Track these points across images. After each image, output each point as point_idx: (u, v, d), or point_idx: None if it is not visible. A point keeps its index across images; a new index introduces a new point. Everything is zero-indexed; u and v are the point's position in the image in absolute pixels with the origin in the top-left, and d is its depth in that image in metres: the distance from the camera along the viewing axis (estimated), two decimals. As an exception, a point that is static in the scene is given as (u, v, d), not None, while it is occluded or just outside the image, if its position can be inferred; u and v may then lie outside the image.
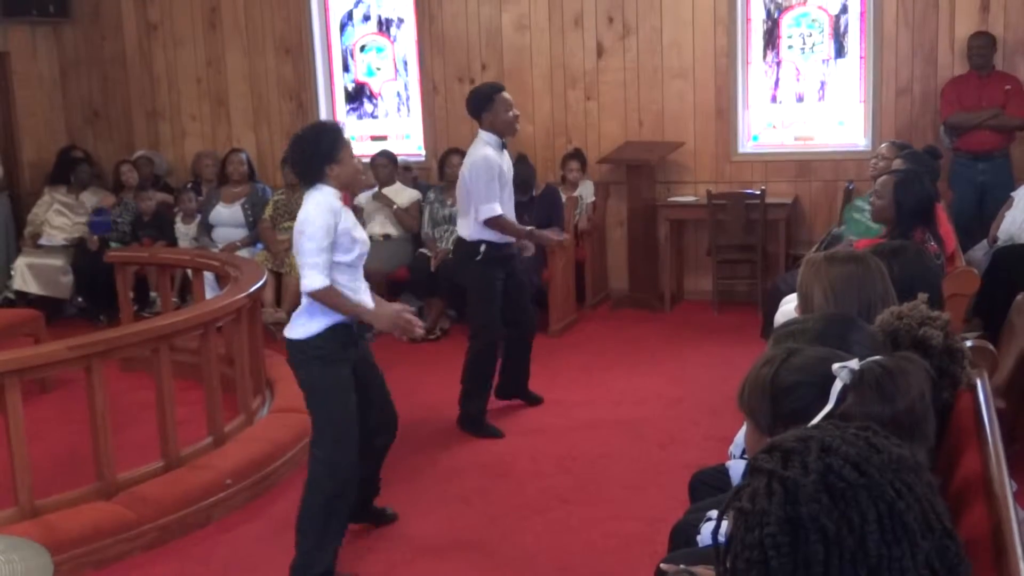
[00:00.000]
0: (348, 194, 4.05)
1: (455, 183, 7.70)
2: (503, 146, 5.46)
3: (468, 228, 5.49)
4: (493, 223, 5.37)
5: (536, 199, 7.66)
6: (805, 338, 2.07)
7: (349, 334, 3.95)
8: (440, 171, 7.99)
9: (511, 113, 5.38)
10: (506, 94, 5.41)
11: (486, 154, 5.34)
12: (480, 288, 5.53)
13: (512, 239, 5.52)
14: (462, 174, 5.51)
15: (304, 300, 3.95)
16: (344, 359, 3.95)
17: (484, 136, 5.42)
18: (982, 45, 7.15)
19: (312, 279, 3.83)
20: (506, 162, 5.49)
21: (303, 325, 3.92)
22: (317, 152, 3.91)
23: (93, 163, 9.23)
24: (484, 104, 5.37)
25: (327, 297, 3.85)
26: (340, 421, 3.94)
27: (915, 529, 1.22)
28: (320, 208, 3.86)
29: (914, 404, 1.82)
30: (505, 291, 5.56)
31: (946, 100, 7.22)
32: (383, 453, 4.35)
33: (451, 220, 7.75)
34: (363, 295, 4.02)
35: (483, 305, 5.54)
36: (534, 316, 5.79)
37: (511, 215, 5.51)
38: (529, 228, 5.55)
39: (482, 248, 5.42)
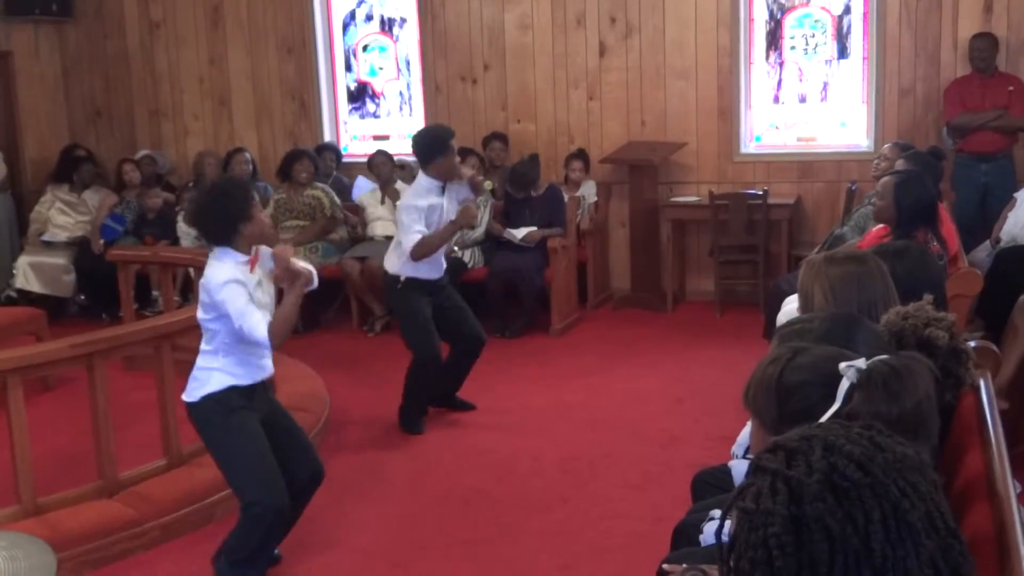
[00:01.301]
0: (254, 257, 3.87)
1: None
2: (442, 190, 5.51)
3: (391, 261, 5.60)
4: (418, 251, 5.40)
5: (539, 198, 7.68)
6: (810, 337, 2.07)
7: (247, 394, 3.87)
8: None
9: (455, 161, 5.52)
10: (454, 142, 5.53)
11: (408, 202, 5.48)
12: (405, 314, 5.64)
13: (440, 273, 5.62)
14: (397, 217, 5.65)
15: (198, 361, 3.88)
16: (244, 408, 3.85)
17: (424, 181, 5.50)
18: (984, 47, 7.14)
19: (260, 330, 3.72)
20: (443, 206, 5.52)
21: (196, 389, 3.85)
22: (227, 212, 3.78)
23: (96, 162, 9.23)
24: (431, 150, 5.46)
25: (276, 339, 3.78)
26: (256, 463, 3.82)
27: (919, 529, 1.21)
28: (229, 274, 3.74)
29: (920, 404, 1.82)
30: (443, 315, 5.62)
31: (949, 101, 7.21)
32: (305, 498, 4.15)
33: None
34: (265, 360, 3.93)
35: (411, 329, 5.60)
36: (479, 332, 5.78)
37: (437, 263, 5.58)
38: (446, 225, 5.53)
39: (402, 278, 5.51)
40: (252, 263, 3.82)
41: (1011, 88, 7.08)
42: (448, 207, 5.57)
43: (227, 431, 3.83)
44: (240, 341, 3.80)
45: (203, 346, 3.89)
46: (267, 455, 3.84)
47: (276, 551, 4.17)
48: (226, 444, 3.86)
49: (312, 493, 4.15)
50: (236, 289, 3.72)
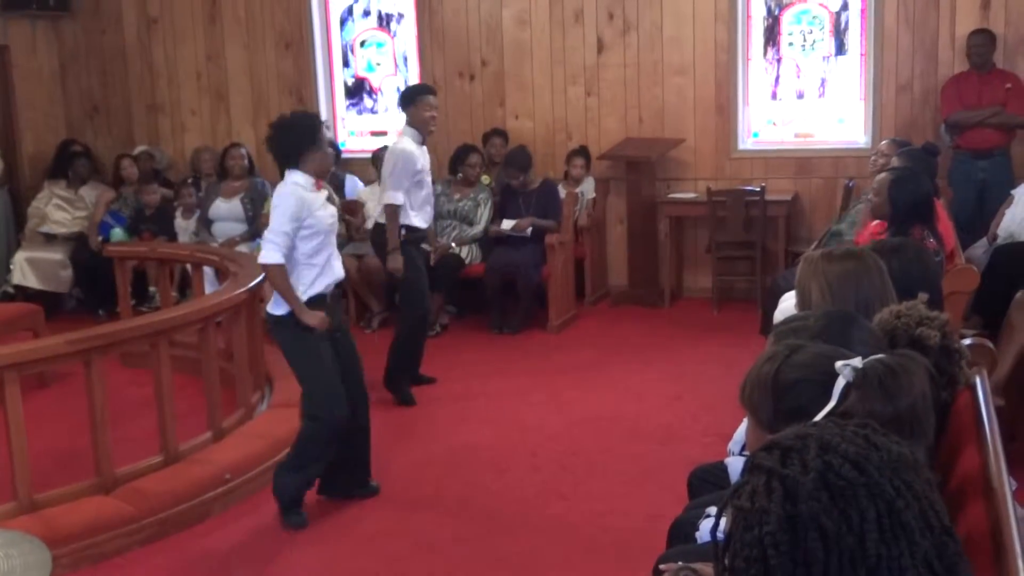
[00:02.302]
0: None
1: (468, 180, 7.76)
2: (423, 142, 5.95)
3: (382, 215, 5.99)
4: (389, 211, 5.83)
5: (532, 192, 7.69)
6: (806, 335, 2.07)
7: (322, 305, 4.38)
8: (452, 167, 7.95)
9: (428, 114, 5.86)
10: (431, 97, 5.94)
11: (404, 147, 5.85)
12: (408, 272, 5.91)
13: (424, 226, 6.06)
14: (385, 162, 6.03)
15: None
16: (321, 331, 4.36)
17: (407, 131, 5.93)
18: (981, 44, 7.13)
19: (269, 254, 4.28)
20: (425, 157, 5.98)
21: (283, 303, 4.35)
22: (295, 137, 4.34)
23: (93, 157, 9.22)
24: (409, 101, 5.92)
25: (274, 275, 4.31)
26: (324, 380, 4.36)
27: (914, 527, 1.21)
28: (289, 194, 4.29)
29: (916, 403, 1.82)
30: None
31: (946, 98, 7.21)
32: (360, 436, 4.65)
33: (455, 215, 7.77)
34: (334, 261, 4.48)
35: (411, 283, 5.96)
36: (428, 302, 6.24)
37: (426, 213, 6.05)
38: (394, 247, 5.88)
39: (402, 232, 5.87)
40: (319, 184, 4.39)
41: (1008, 86, 7.07)
42: (425, 163, 5.99)
43: (305, 344, 4.35)
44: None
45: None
46: (334, 374, 4.41)
47: (374, 483, 4.75)
48: (302, 355, 4.39)
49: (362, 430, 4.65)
50: (291, 205, 4.25)
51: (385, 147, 8.12)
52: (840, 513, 1.20)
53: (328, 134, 4.65)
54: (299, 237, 4.32)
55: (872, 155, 6.56)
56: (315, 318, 4.32)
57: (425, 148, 6.01)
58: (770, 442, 1.31)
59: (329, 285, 4.46)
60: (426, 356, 6.26)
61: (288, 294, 4.31)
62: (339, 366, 4.46)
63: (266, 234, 4.32)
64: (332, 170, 8.53)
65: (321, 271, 4.41)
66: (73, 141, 9.25)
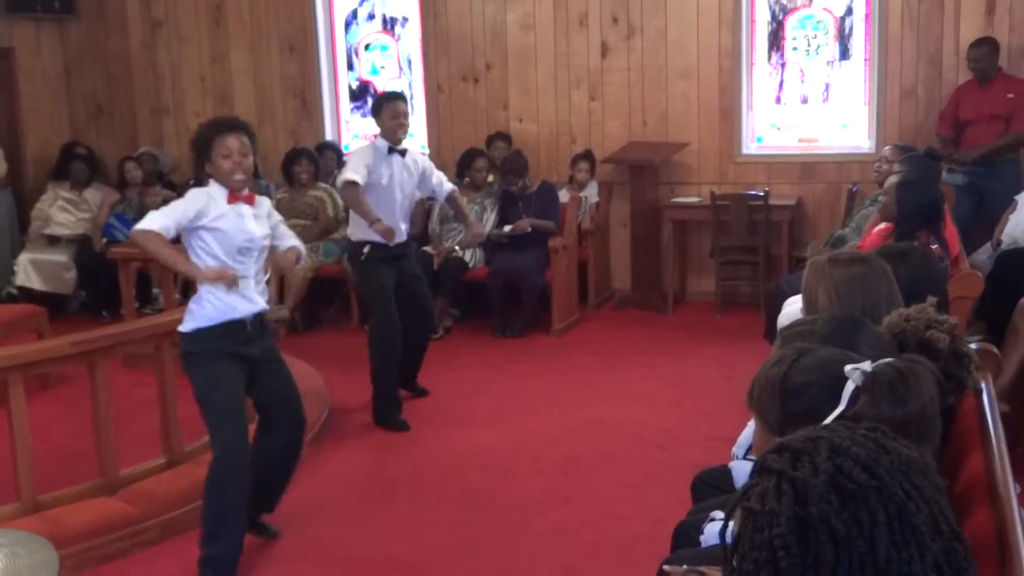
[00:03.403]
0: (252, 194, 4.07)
1: (476, 184, 7.76)
2: (390, 150, 5.66)
3: (354, 228, 5.76)
4: (347, 190, 5.57)
5: (532, 195, 7.70)
6: (814, 338, 2.07)
7: (234, 333, 3.94)
8: (460, 172, 7.94)
9: (394, 122, 5.64)
10: (400, 104, 5.70)
11: (357, 148, 5.89)
12: (369, 287, 5.76)
13: (402, 238, 5.74)
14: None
15: (193, 296, 4.01)
16: (223, 354, 3.92)
17: (377, 140, 5.73)
18: (980, 56, 7.07)
19: (147, 222, 3.87)
20: (396, 168, 5.67)
21: (187, 320, 3.98)
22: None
23: (96, 160, 9.22)
24: (376, 110, 5.75)
25: (147, 240, 3.84)
26: (219, 414, 3.91)
27: (924, 531, 1.21)
28: (193, 193, 3.96)
29: (925, 407, 1.82)
30: (400, 285, 5.74)
31: (943, 115, 7.24)
32: (284, 454, 4.24)
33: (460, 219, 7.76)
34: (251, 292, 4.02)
35: (372, 298, 5.76)
36: (431, 310, 6.05)
37: (390, 219, 5.58)
38: (377, 217, 5.55)
39: (365, 249, 5.64)
40: (232, 198, 3.95)
41: (1011, 95, 7.03)
42: (403, 173, 5.71)
43: (204, 369, 3.91)
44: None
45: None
46: (236, 403, 3.94)
47: (272, 527, 4.34)
48: (201, 382, 3.93)
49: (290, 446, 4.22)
50: (183, 202, 3.89)
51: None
52: (850, 516, 1.20)
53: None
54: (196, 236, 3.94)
55: (876, 160, 6.55)
56: (205, 272, 3.88)
57: (397, 159, 5.68)
58: (780, 444, 1.31)
59: (247, 316, 4.00)
60: (430, 359, 6.25)
61: (165, 257, 3.92)
62: (262, 396, 4.11)
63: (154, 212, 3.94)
64: (335, 173, 8.58)
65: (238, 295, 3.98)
66: (76, 143, 9.26)
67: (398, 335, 5.69)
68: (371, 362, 5.76)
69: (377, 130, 5.79)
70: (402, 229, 5.74)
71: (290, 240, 4.27)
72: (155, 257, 4.01)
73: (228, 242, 3.93)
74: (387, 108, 5.66)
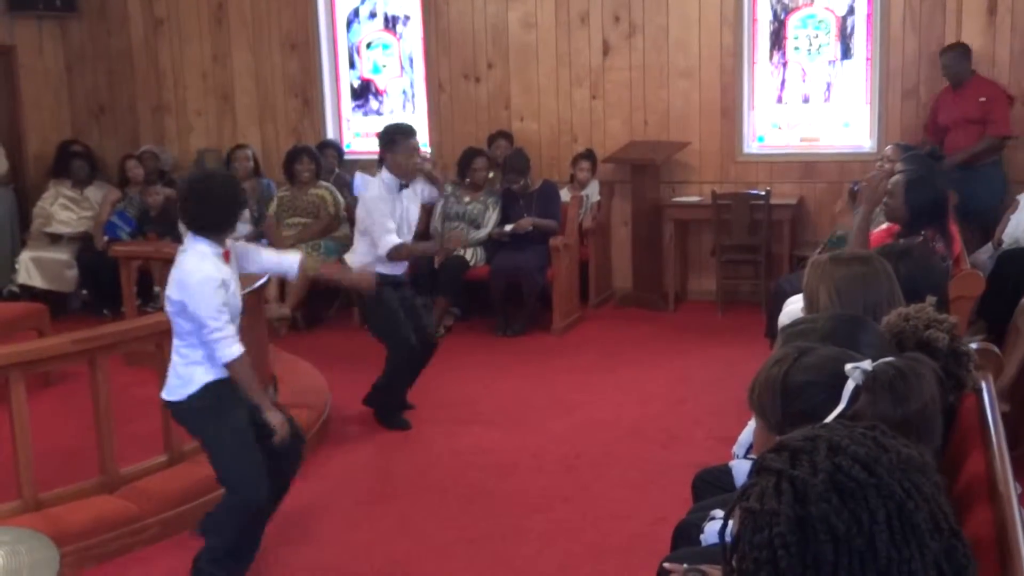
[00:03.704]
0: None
1: (476, 184, 7.76)
2: (401, 187, 5.54)
3: (357, 258, 5.57)
4: (394, 254, 5.47)
5: (533, 194, 7.70)
6: (815, 337, 2.07)
7: (234, 392, 3.83)
8: (462, 171, 7.94)
9: (413, 161, 5.48)
10: (414, 140, 5.52)
11: (374, 196, 5.47)
12: (377, 310, 5.56)
13: (403, 269, 5.68)
14: (358, 212, 5.61)
15: (175, 358, 3.82)
16: (232, 401, 3.82)
17: (384, 175, 5.52)
18: (949, 63, 7.12)
19: (231, 347, 3.71)
20: (404, 203, 5.58)
21: (179, 388, 3.82)
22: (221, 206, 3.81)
23: (95, 157, 9.22)
24: (390, 144, 5.47)
25: (240, 368, 3.75)
26: (242, 462, 3.79)
27: (924, 529, 1.21)
28: (206, 279, 3.71)
29: (925, 406, 1.82)
30: (406, 310, 5.63)
31: (926, 125, 7.28)
32: (286, 473, 4.08)
33: (464, 217, 7.78)
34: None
35: (386, 324, 5.56)
36: (432, 336, 5.87)
37: (396, 263, 5.60)
38: (431, 243, 5.60)
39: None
40: (227, 255, 3.84)
41: (983, 99, 7.03)
42: (409, 206, 5.61)
43: (217, 426, 3.79)
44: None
45: (177, 341, 3.81)
46: (253, 449, 3.81)
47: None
48: (215, 440, 3.83)
49: (286, 488, 4.12)
50: (212, 289, 3.68)
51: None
52: (850, 514, 1.20)
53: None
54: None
55: (877, 160, 6.55)
56: (278, 419, 3.84)
57: (406, 192, 5.59)
58: (779, 444, 1.31)
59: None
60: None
61: (253, 386, 3.83)
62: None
63: (208, 332, 3.69)
64: (336, 171, 8.59)
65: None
66: (74, 141, 9.26)
67: (416, 350, 5.62)
68: (387, 373, 5.67)
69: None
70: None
71: (283, 255, 4.31)
72: (246, 385, 3.80)
73: (234, 311, 3.84)
74: (404, 144, 5.46)
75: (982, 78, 7.17)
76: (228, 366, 3.73)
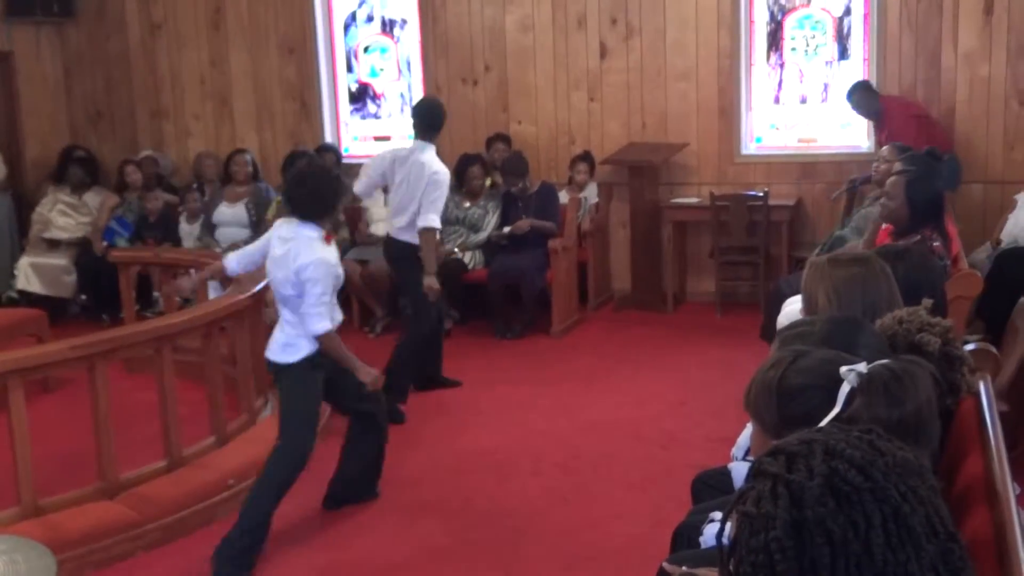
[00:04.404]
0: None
1: (473, 191, 7.77)
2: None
3: (404, 231, 5.96)
4: (427, 234, 5.85)
5: (533, 196, 7.71)
6: (811, 340, 2.06)
7: (319, 361, 4.36)
8: (458, 177, 7.93)
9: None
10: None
11: (445, 172, 5.92)
12: (419, 287, 5.89)
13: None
14: (414, 178, 5.89)
15: (288, 329, 4.34)
16: (321, 367, 4.37)
17: (435, 153, 5.98)
18: (857, 105, 7.29)
19: (321, 323, 4.26)
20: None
21: (293, 353, 4.32)
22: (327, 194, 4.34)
23: (97, 163, 9.23)
24: (439, 126, 6.03)
25: (330, 341, 4.31)
26: (311, 416, 4.39)
27: (920, 533, 1.21)
28: (320, 262, 4.23)
29: (921, 408, 1.81)
30: None
31: None
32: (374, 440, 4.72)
33: (464, 222, 7.79)
34: (336, 312, 4.43)
35: (426, 303, 5.95)
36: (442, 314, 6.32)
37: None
38: (431, 271, 5.96)
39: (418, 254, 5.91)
40: (328, 238, 4.33)
41: (884, 133, 7.12)
42: None
43: (307, 388, 4.34)
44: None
45: (289, 314, 4.33)
46: (318, 411, 4.49)
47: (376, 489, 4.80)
48: (301, 399, 4.35)
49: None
50: (323, 275, 4.22)
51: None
52: (846, 518, 1.20)
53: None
54: None
55: (874, 160, 6.55)
56: (370, 375, 4.44)
57: None
58: (775, 447, 1.31)
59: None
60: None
61: (345, 356, 4.38)
62: (347, 401, 4.59)
63: (307, 307, 4.24)
64: (335, 175, 8.57)
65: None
66: (77, 147, 9.27)
67: (438, 334, 6.15)
68: (401, 353, 5.98)
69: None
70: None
71: None
72: (338, 356, 4.39)
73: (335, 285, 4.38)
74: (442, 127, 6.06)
75: (891, 100, 7.30)
76: (319, 338, 4.27)
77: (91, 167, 9.06)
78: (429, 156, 5.91)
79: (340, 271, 4.40)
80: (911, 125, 7.01)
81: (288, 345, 4.33)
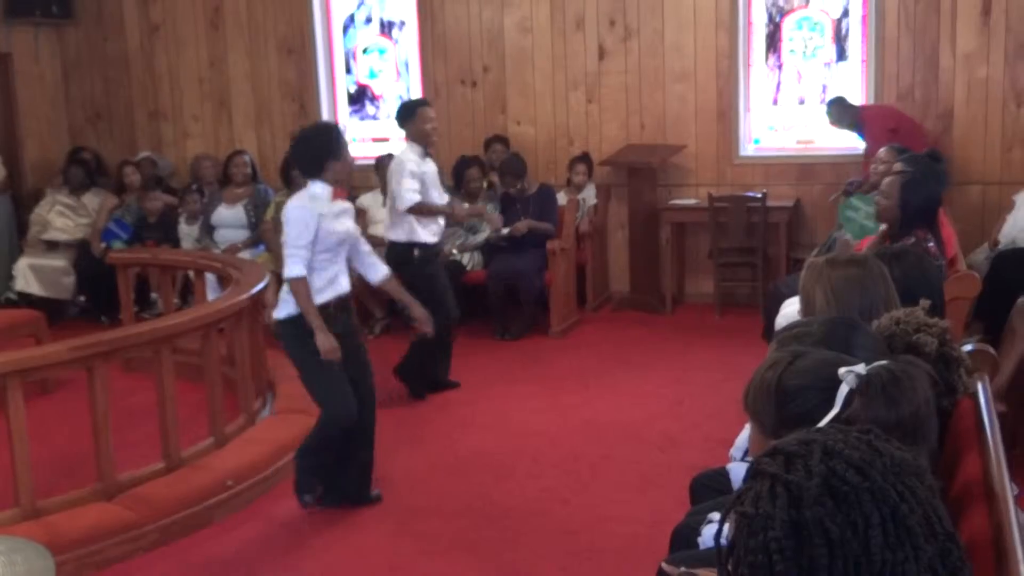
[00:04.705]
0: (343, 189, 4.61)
1: (472, 193, 7.76)
2: (426, 154, 6.08)
3: (398, 231, 6.04)
4: (416, 209, 5.94)
5: (530, 197, 7.71)
6: (809, 341, 2.07)
7: (327, 314, 4.42)
8: (456, 179, 7.94)
9: (428, 126, 5.99)
10: (428, 109, 6.05)
11: (403, 159, 6.00)
12: (429, 285, 5.92)
13: (438, 239, 6.16)
14: (390, 186, 6.11)
15: (284, 287, 4.45)
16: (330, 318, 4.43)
17: (409, 145, 6.05)
18: (836, 120, 7.32)
19: (293, 267, 4.34)
20: (430, 167, 6.09)
21: (282, 309, 4.44)
22: (318, 147, 4.43)
23: (102, 164, 9.23)
24: (408, 115, 6.02)
25: (298, 288, 4.35)
26: (327, 379, 4.43)
27: (918, 532, 1.22)
28: (300, 206, 4.38)
29: (919, 409, 1.82)
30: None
31: None
32: (363, 439, 4.69)
33: (463, 223, 7.77)
34: (341, 277, 4.54)
35: (437, 299, 5.90)
36: (456, 311, 6.28)
37: (435, 226, 6.12)
38: (449, 204, 6.20)
39: (416, 251, 5.98)
40: (337, 194, 4.47)
41: (866, 146, 7.15)
42: (435, 177, 6.12)
43: (303, 347, 4.37)
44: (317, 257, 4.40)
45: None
46: (338, 374, 4.44)
47: (376, 492, 4.76)
48: (300, 361, 4.45)
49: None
50: (302, 218, 4.32)
51: (390, 155, 8.16)
52: (845, 518, 1.20)
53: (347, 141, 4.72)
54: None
55: (872, 162, 6.55)
56: (327, 343, 4.34)
57: (430, 160, 6.11)
58: (773, 448, 1.31)
59: (331, 299, 4.48)
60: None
61: (309, 309, 4.35)
62: (347, 370, 4.50)
63: (285, 248, 4.38)
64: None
65: (327, 284, 4.46)
66: (82, 148, 9.27)
67: (454, 323, 6.21)
68: (418, 343, 5.99)
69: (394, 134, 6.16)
70: (442, 225, 6.22)
71: (377, 260, 4.92)
72: (302, 308, 4.39)
73: (329, 241, 4.43)
74: (420, 113, 5.97)
75: (870, 111, 7.33)
76: (288, 283, 4.36)
77: (93, 169, 9.06)
78: (402, 151, 6.08)
79: (340, 228, 4.48)
80: (884, 139, 6.99)
81: (282, 301, 4.46)
